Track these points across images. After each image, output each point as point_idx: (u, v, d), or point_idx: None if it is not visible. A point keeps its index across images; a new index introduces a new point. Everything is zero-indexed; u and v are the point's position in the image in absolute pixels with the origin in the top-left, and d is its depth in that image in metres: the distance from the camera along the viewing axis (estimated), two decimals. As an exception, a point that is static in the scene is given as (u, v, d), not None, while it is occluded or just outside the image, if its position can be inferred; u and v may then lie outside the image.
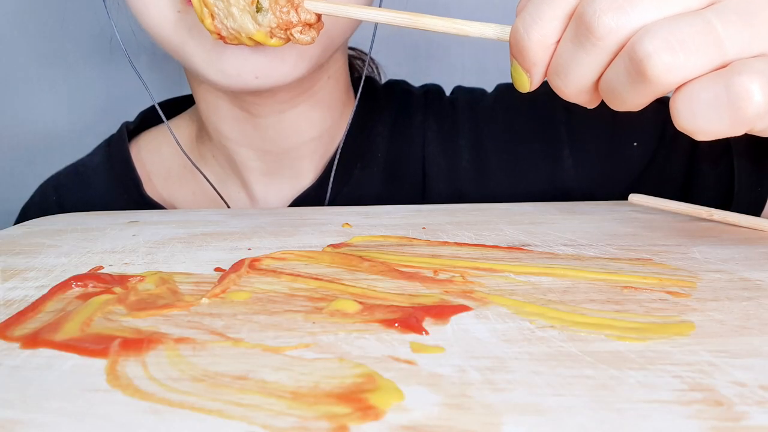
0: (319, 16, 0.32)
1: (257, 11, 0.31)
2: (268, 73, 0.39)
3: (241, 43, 0.33)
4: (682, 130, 0.23)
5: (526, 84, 0.27)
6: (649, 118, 0.50)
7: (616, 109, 0.25)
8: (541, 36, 0.25)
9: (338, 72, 0.49)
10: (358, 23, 0.43)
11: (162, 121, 0.56)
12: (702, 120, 0.22)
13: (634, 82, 0.23)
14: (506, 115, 0.52)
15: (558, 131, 0.50)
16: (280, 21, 0.31)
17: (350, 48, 0.55)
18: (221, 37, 0.33)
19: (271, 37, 0.32)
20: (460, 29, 0.28)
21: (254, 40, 0.33)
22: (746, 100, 0.21)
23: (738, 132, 0.22)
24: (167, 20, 0.39)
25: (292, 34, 0.32)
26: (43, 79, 0.77)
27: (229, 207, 0.51)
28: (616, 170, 0.50)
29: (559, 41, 0.25)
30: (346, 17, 0.31)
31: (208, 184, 0.52)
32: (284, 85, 0.40)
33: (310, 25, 0.32)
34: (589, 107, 0.27)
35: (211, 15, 0.32)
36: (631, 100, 0.24)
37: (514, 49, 0.26)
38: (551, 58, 0.25)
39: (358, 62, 0.57)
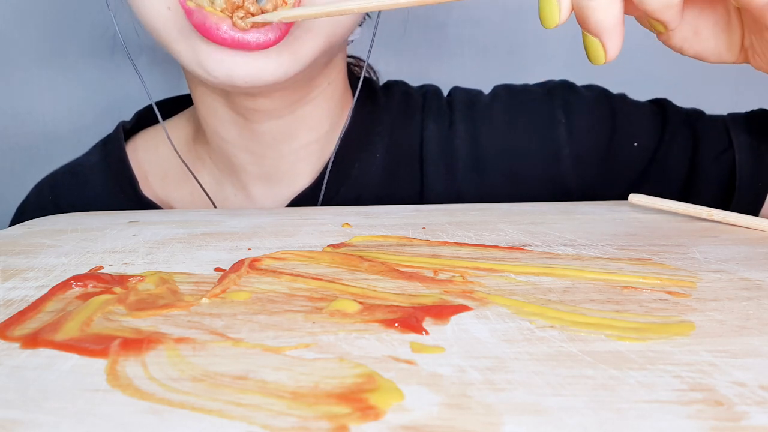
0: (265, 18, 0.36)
1: None
2: (255, 73, 0.38)
3: (200, 7, 0.37)
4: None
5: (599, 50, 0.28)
6: (649, 118, 0.50)
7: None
8: None
9: (338, 77, 0.49)
10: (354, 24, 0.43)
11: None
12: None
13: None
14: (504, 115, 0.51)
15: (557, 132, 0.50)
16: (228, 2, 0.35)
17: (348, 56, 0.55)
18: (185, 8, 0.37)
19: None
20: None
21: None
22: None
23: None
24: (159, 16, 0.39)
25: (232, 16, 0.36)
26: (43, 79, 0.77)
27: (215, 207, 0.51)
28: (616, 171, 0.50)
29: None
30: (317, 16, 0.33)
31: (206, 183, 0.52)
32: (275, 84, 0.40)
33: (252, 15, 0.35)
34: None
35: None
36: None
37: None
38: None
39: (357, 69, 0.57)
